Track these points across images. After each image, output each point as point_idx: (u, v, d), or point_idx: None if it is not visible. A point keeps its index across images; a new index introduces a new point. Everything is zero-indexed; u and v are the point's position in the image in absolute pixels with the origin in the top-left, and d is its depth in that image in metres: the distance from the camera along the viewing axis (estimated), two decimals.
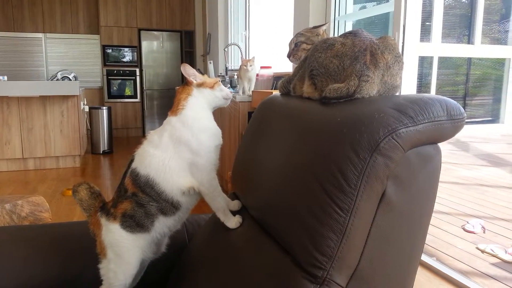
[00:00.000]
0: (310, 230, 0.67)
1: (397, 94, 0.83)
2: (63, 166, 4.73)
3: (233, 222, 0.97)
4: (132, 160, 0.99)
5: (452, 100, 0.71)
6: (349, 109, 0.73)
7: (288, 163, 0.80)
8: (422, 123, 0.66)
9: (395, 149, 0.64)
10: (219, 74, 5.47)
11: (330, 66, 0.83)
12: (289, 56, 1.05)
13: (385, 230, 0.67)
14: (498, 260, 2.37)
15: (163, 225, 0.98)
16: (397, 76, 0.82)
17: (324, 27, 1.04)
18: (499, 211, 3.26)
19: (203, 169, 0.95)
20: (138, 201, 0.95)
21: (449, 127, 0.69)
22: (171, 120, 0.97)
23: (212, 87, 1.01)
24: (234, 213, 1.01)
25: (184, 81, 1.03)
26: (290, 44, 1.05)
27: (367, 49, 0.81)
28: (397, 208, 0.68)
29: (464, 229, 2.85)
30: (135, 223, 0.95)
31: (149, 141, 0.98)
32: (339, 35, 0.89)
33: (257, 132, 1.04)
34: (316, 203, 0.67)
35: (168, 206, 0.95)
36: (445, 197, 3.60)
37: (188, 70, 1.00)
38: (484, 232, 2.80)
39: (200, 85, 1.00)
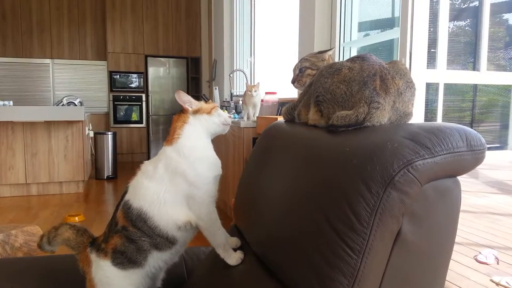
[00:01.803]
0: (317, 272, 0.61)
1: (410, 122, 0.77)
2: (66, 192, 4.67)
3: (234, 258, 0.90)
4: (126, 192, 0.93)
5: (471, 130, 0.65)
6: (359, 139, 0.67)
7: (292, 196, 0.74)
8: (440, 155, 0.60)
9: (411, 183, 0.58)
10: (224, 100, 5.46)
11: (337, 92, 0.78)
12: (293, 82, 1.01)
13: (402, 272, 0.61)
14: None
15: (157, 260, 0.92)
16: (409, 102, 0.77)
17: (330, 52, 1.00)
18: None
19: (201, 202, 0.89)
20: (128, 236, 0.89)
21: (469, 159, 0.63)
22: (166, 150, 0.92)
23: (209, 112, 0.96)
24: (235, 248, 0.94)
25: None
26: (294, 70, 1.01)
27: (377, 74, 0.76)
28: (414, 247, 0.61)
29: (476, 260, 2.73)
30: (126, 259, 0.89)
31: (143, 172, 0.92)
32: (346, 59, 0.85)
33: (260, 161, 0.98)
34: (324, 243, 0.61)
35: (163, 241, 0.89)
36: None
37: (183, 97, 0.95)
38: (497, 263, 2.68)
39: (196, 111, 0.95)
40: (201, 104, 0.98)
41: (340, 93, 0.77)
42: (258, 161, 0.99)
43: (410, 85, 0.78)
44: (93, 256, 0.93)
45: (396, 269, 0.60)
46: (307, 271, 0.63)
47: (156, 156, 0.93)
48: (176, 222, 0.88)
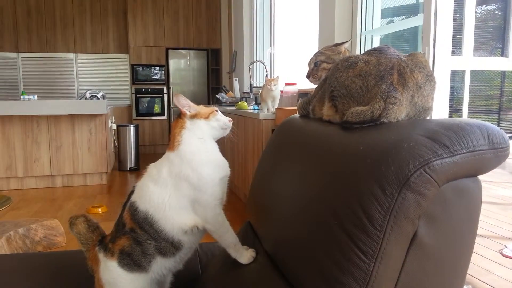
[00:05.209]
0: (328, 276, 0.58)
1: (429, 117, 0.74)
2: (90, 183, 4.77)
3: (245, 257, 0.89)
4: (132, 192, 0.92)
5: (494, 126, 0.61)
6: (374, 136, 0.64)
7: (304, 195, 0.71)
8: (459, 154, 0.56)
9: (428, 184, 0.55)
10: (244, 91, 5.45)
11: (352, 87, 0.75)
12: (308, 76, 0.98)
13: (417, 277, 0.58)
14: None
15: (161, 267, 0.91)
16: (429, 97, 0.73)
17: (346, 45, 0.96)
18: None
19: (206, 205, 0.88)
20: (136, 238, 0.88)
21: (491, 158, 0.59)
22: (169, 155, 0.91)
23: (207, 117, 0.94)
24: (249, 244, 0.92)
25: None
26: (309, 64, 0.98)
27: (394, 67, 0.73)
28: (431, 251, 0.58)
29: (502, 254, 2.65)
30: (132, 261, 0.89)
31: (149, 174, 0.92)
32: (362, 52, 0.81)
33: (274, 156, 0.96)
34: (335, 246, 0.58)
35: (168, 246, 0.88)
36: (480, 218, 3.38)
37: (181, 101, 0.94)
38: None
39: (193, 116, 0.94)
40: (200, 108, 0.96)
41: (355, 88, 0.74)
42: (271, 157, 0.97)
43: (430, 78, 0.74)
44: (101, 255, 0.93)
45: (411, 274, 0.57)
46: (315, 274, 0.61)
47: (160, 160, 0.93)
48: (182, 227, 0.88)
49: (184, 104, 0.94)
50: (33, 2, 6.86)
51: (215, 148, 0.95)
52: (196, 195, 0.87)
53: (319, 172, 0.71)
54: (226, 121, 0.97)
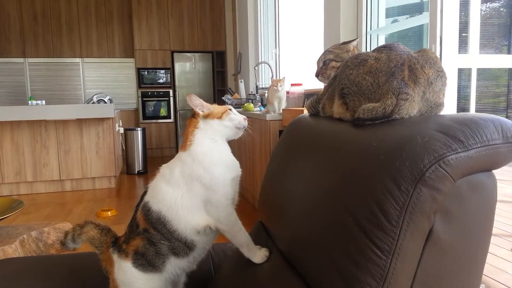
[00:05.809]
0: (344, 273, 0.58)
1: (441, 113, 0.73)
2: (99, 187, 4.79)
3: (259, 256, 0.89)
4: (145, 192, 0.93)
5: (507, 120, 0.61)
6: (387, 132, 0.64)
7: (316, 193, 0.71)
8: (474, 148, 0.56)
9: (443, 179, 0.55)
10: (250, 93, 5.45)
11: (363, 84, 0.75)
12: (317, 75, 0.98)
13: (434, 273, 0.58)
14: None
15: (175, 267, 0.92)
16: (441, 92, 0.73)
17: (354, 43, 0.96)
18: None
19: (218, 205, 0.88)
20: (150, 238, 0.89)
21: (505, 152, 0.59)
22: (181, 155, 0.91)
23: (220, 117, 0.94)
24: (262, 244, 0.93)
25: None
26: (318, 63, 0.98)
27: (405, 63, 0.73)
28: (448, 247, 0.58)
29: None
30: (146, 262, 0.89)
31: (162, 175, 0.92)
32: (372, 49, 0.81)
33: (285, 155, 0.96)
34: (351, 243, 0.58)
35: (181, 246, 0.89)
36: None
37: (194, 101, 0.94)
38: None
39: (206, 116, 0.93)
40: (213, 107, 0.95)
41: (366, 85, 0.74)
42: (282, 157, 0.97)
43: (440, 74, 0.74)
44: (115, 257, 0.94)
45: (428, 270, 0.57)
46: (332, 272, 0.61)
47: (172, 160, 0.93)
48: (194, 227, 0.88)
49: (197, 104, 0.94)
50: (39, 7, 6.92)
51: (227, 149, 0.95)
52: (208, 195, 0.87)
53: (331, 170, 0.71)
54: (241, 120, 0.96)
